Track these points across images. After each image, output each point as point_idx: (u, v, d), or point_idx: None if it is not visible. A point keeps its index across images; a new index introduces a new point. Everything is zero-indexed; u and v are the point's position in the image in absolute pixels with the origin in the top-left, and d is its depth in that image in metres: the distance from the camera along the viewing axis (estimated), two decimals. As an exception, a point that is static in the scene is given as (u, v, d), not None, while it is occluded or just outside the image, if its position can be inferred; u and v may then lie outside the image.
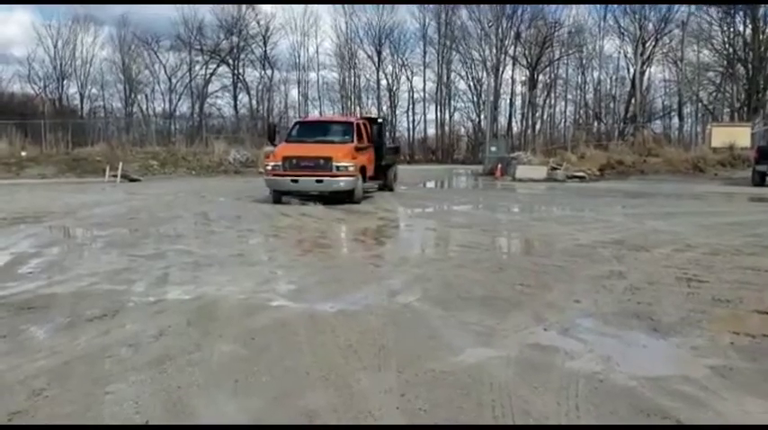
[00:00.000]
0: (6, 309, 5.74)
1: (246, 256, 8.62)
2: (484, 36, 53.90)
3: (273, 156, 16.26)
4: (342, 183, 15.61)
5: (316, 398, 3.78)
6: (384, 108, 55.71)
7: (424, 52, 56.48)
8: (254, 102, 54.51)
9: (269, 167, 16.14)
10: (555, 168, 28.23)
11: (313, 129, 18.03)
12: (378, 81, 56.39)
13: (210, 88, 53.69)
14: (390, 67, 56.76)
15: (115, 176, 26.08)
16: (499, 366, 4.34)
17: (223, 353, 4.65)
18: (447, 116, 57.38)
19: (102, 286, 6.76)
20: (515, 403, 3.71)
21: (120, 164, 27.25)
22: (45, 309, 5.79)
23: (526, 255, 9.87)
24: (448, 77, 57.01)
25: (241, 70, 53.68)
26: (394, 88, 56.91)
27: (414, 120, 57.92)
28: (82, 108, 51.06)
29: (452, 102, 57.79)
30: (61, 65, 50.13)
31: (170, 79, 52.74)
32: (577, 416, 3.56)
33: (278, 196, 16.11)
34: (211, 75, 53.26)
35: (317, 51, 57.46)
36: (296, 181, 15.56)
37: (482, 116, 52.71)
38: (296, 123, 19.58)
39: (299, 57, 55.70)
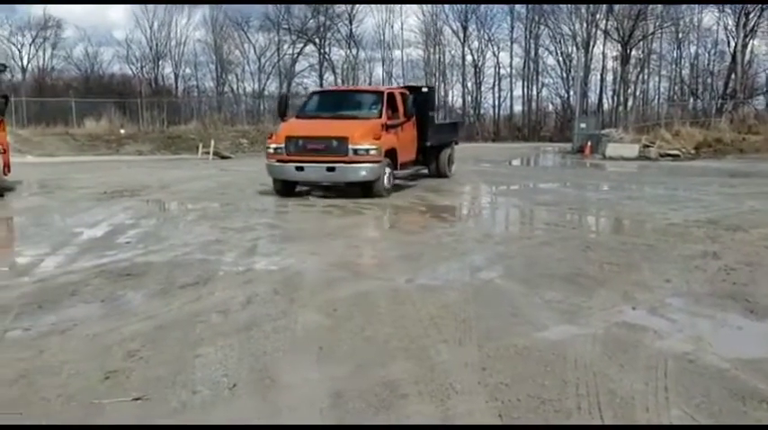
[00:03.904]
0: (106, 276, 6.06)
1: (330, 231, 8.74)
2: (574, 10, 52.17)
3: (276, 136, 12.55)
4: (362, 171, 11.82)
5: (396, 369, 3.81)
6: (469, 84, 54.94)
7: (512, 27, 55.19)
8: (339, 80, 54.90)
9: (270, 150, 12.34)
10: (647, 146, 27.15)
11: (332, 102, 13.96)
12: (463, 57, 55.53)
13: (297, 67, 54.47)
14: (476, 43, 55.77)
15: (207, 153, 26.94)
16: (584, 344, 4.23)
17: (307, 321, 4.75)
18: (534, 92, 56.00)
19: (195, 256, 7.03)
20: (600, 382, 3.62)
21: (212, 141, 28.11)
22: (141, 277, 6.07)
23: (615, 233, 9.57)
24: (536, 53, 55.57)
25: (327, 49, 54.15)
26: (479, 64, 55.98)
27: (500, 97, 56.89)
28: (176, 87, 52.91)
29: (540, 78, 56.31)
30: (157, 46, 52.04)
31: (259, 59, 53.84)
32: (666, 397, 3.44)
33: (283, 187, 12.54)
34: (298, 54, 54.00)
35: (401, 28, 57.20)
36: (301, 168, 11.92)
37: (571, 92, 51.20)
38: (312, 94, 15.54)
39: (383, 34, 55.61)
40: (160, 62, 52.53)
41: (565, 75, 55.40)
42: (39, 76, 47.15)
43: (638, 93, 54.80)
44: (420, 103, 14.47)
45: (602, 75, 54.54)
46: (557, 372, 3.76)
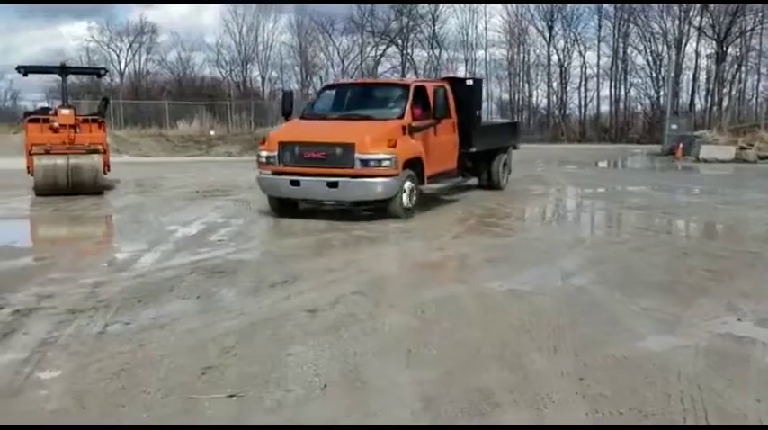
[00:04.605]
0: (200, 273, 6.25)
1: (411, 232, 8.70)
2: (666, 7, 50.26)
3: (267, 141, 10.11)
4: (372, 187, 9.26)
5: (489, 376, 3.73)
6: (554, 84, 53.80)
7: (599, 26, 53.66)
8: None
9: (261, 159, 9.95)
10: (744, 148, 25.81)
11: (346, 98, 11.29)
12: (548, 57, 54.41)
13: (380, 69, 54.84)
14: (562, 42, 54.54)
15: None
16: (687, 356, 4.03)
17: (395, 323, 4.73)
18: (622, 92, 54.27)
19: (283, 254, 7.15)
20: (707, 396, 3.42)
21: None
22: (233, 274, 6.22)
23: (712, 239, 9.12)
24: (624, 52, 53.82)
25: (410, 50, 54.30)
26: (565, 64, 54.76)
27: (586, 97, 55.43)
28: (263, 90, 54.31)
29: (628, 77, 54.52)
30: (245, 50, 53.57)
31: (342, 61, 54.56)
32: (781, 416, 3.22)
33: (279, 205, 10.08)
34: (381, 56, 54.37)
35: (485, 28, 56.65)
36: (296, 182, 9.44)
37: (661, 92, 49.34)
38: (323, 88, 13.16)
39: (466, 35, 55.25)
40: (248, 65, 53.97)
41: (654, 74, 53.43)
42: (135, 79, 49.34)
43: (733, 92, 52.20)
44: (463, 99, 11.71)
45: (694, 74, 52.27)
46: (659, 385, 3.59)
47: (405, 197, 9.55)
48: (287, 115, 11.22)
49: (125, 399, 3.44)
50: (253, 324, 4.69)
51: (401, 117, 9.89)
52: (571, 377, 3.70)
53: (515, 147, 14.87)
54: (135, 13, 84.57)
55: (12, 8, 66.10)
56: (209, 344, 4.28)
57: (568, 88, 54.90)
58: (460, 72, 53.61)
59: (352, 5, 51.75)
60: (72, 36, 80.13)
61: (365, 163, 9.13)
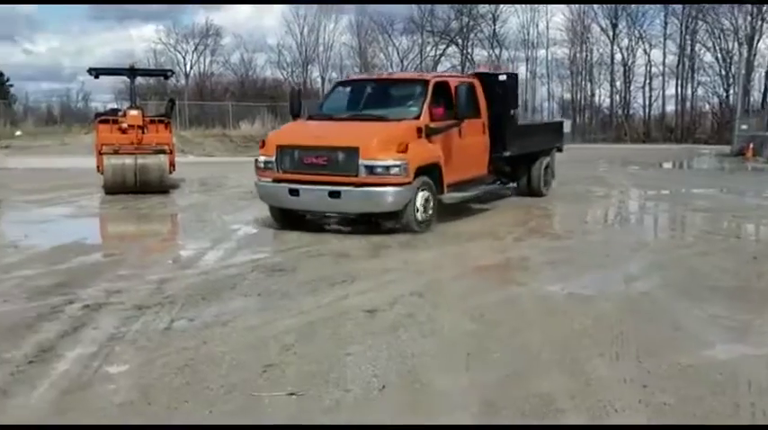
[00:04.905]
0: (261, 271, 6.37)
1: (469, 233, 8.63)
2: (736, 3, 48.49)
3: (266, 145, 9.03)
4: (378, 197, 8.19)
5: (549, 382, 3.67)
6: (617, 83, 52.60)
7: (665, 23, 52.14)
8: (481, 81, 54.62)
9: (260, 165, 8.93)
10: (822, 149, 24.69)
11: (360, 96, 10.09)
12: (612, 55, 53.17)
13: (439, 68, 54.66)
14: (626, 40, 53.22)
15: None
16: (758, 366, 3.88)
17: (454, 325, 4.72)
18: (689, 91, 52.66)
19: (342, 253, 7.21)
20: (780, 409, 3.29)
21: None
22: (292, 272, 6.32)
23: (786, 245, 8.75)
24: (692, 49, 52.15)
25: (470, 50, 54.00)
26: (629, 62, 53.45)
27: (650, 97, 53.96)
28: (323, 91, 54.92)
29: (696, 76, 52.85)
30: (306, 51, 54.31)
31: (402, 61, 54.66)
32: None
33: (281, 215, 8.98)
34: (440, 55, 54.21)
35: (546, 27, 55.81)
36: (296, 192, 8.40)
37: (731, 91, 47.66)
38: (336, 85, 11.91)
39: (527, 34, 54.56)
40: (308, 66, 54.66)
41: (724, 72, 51.61)
42: (199, 80, 50.58)
43: (810, 90, 49.99)
44: (495, 96, 10.53)
45: (767, 71, 50.29)
46: (727, 395, 3.47)
47: (419, 208, 8.37)
48: (295, 117, 10.06)
49: (189, 395, 3.53)
50: (312, 323, 4.75)
51: (418, 117, 8.78)
52: (634, 384, 3.61)
53: (560, 150, 13.44)
54: (201, 16, 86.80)
55: (85, 11, 68.85)
56: (269, 342, 4.35)
57: (632, 87, 53.49)
58: (521, 71, 52.93)
59: (413, 5, 51.79)
60: (141, 38, 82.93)
61: (371, 170, 8.06)
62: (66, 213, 10.67)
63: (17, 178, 15.41)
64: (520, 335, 4.48)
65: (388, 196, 8.13)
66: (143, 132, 13.10)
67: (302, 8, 50.87)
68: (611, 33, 52.72)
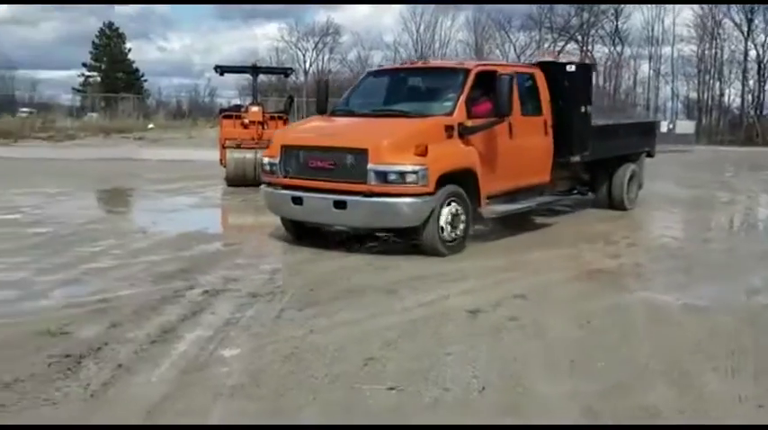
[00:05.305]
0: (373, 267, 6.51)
1: (585, 234, 8.39)
2: None
3: (271, 144, 7.94)
4: (398, 209, 6.79)
5: (656, 395, 3.54)
6: (750, 82, 49.24)
7: (809, 16, 48.39)
8: (600, 78, 52.68)
9: (265, 167, 7.74)
10: None
11: (388, 89, 8.67)
12: (745, 52, 49.80)
13: (557, 65, 53.52)
14: (762, 37, 49.76)
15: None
16: None
17: (558, 331, 4.64)
18: (833, 91, 48.57)
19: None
20: None
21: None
22: (396, 269, 6.40)
23: None
24: (839, 44, 48.12)
25: (590, 46, 52.33)
26: (765, 60, 49.92)
27: (787, 97, 50.21)
28: (437, 87, 55.20)
29: (841, 74, 48.66)
30: (422, 48, 54.58)
31: (518, 58, 53.79)
32: None
33: (293, 226, 7.87)
34: (559, 52, 52.89)
35: (673, 23, 53.07)
36: (299, 200, 7.21)
37: None
38: (365, 76, 9.99)
39: (651, 30, 52.13)
40: (424, 63, 54.94)
41: None
42: (318, 78, 52.13)
43: None
44: (562, 90, 8.91)
45: None
46: None
47: (444, 225, 6.92)
48: (321, 112, 8.81)
49: (294, 383, 3.68)
50: (413, 321, 4.81)
51: (450, 113, 7.32)
52: (749, 403, 3.43)
53: (650, 155, 11.52)
54: (322, 15, 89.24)
55: (212, 10, 72.38)
56: (372, 336, 4.46)
57: (767, 86, 49.92)
58: (643, 69, 50.68)
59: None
60: (265, 36, 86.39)
61: (381, 176, 6.70)
62: (192, 203, 11.33)
63: (149, 169, 16.50)
64: (627, 345, 4.34)
65: (402, 209, 6.75)
66: (263, 128, 13.65)
67: (420, 6, 51.20)
68: (745, 29, 49.39)
